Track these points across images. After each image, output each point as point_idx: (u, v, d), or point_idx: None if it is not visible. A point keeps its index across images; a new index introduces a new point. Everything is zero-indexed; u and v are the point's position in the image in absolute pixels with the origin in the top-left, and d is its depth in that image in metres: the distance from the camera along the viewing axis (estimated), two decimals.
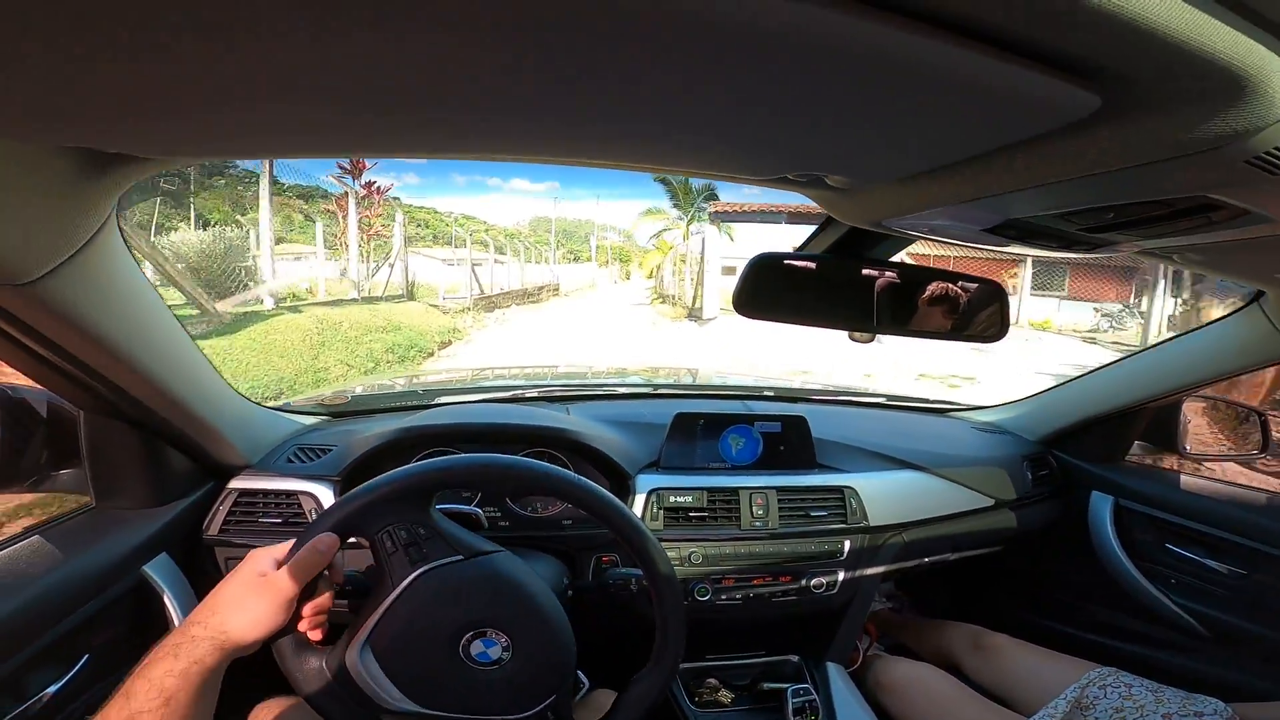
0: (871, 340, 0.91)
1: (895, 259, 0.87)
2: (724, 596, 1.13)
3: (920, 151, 0.46)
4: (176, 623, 0.89)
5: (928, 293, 0.83)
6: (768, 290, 0.82)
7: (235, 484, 1.02)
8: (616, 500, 0.78)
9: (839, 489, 1.18)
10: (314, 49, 0.30)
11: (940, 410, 1.64)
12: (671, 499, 1.12)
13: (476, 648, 0.73)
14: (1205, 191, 0.42)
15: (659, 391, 1.42)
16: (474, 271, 13.33)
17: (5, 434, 0.79)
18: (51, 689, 0.75)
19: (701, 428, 1.20)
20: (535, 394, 1.36)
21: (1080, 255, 0.66)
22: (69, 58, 0.30)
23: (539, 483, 0.79)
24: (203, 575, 0.99)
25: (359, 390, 1.54)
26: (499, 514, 1.11)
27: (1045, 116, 0.35)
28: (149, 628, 0.89)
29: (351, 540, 0.71)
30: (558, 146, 0.52)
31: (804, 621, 1.27)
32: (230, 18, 0.27)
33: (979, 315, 0.83)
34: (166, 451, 0.93)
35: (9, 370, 0.77)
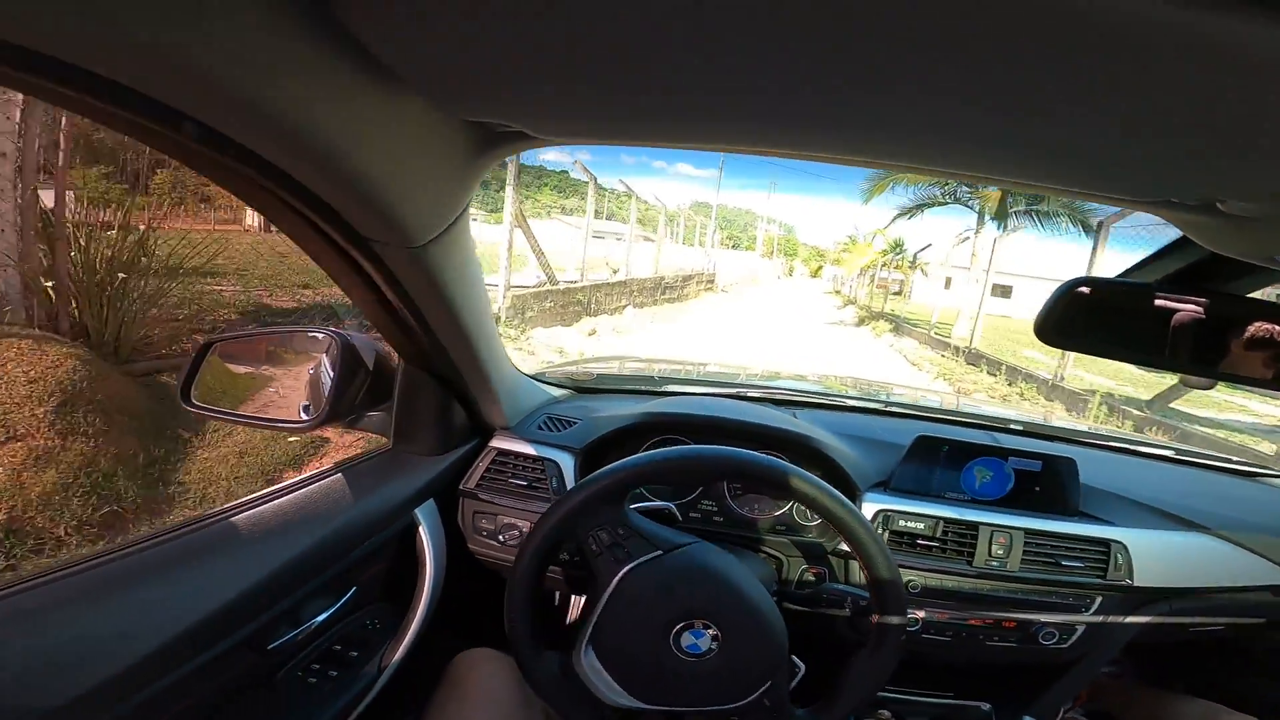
0: (1211, 386, 0.84)
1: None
2: (932, 630, 1.11)
3: None
4: (429, 564, 1.03)
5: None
6: (1082, 318, 0.77)
7: (496, 443, 1.16)
8: (846, 499, 0.86)
9: (1104, 542, 1.11)
10: (713, 49, 0.37)
11: (1248, 473, 1.45)
12: (901, 523, 1.12)
13: (686, 639, 0.81)
14: None
15: (891, 410, 1.40)
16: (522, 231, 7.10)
17: (341, 375, 0.96)
18: (320, 617, 0.87)
19: (945, 454, 1.18)
20: (757, 394, 1.40)
21: None
22: (515, 44, 0.40)
23: (755, 474, 0.88)
24: (450, 525, 1.14)
25: (603, 369, 1.68)
26: (715, 509, 1.17)
27: None
28: (406, 567, 1.04)
29: None
30: (927, 155, 0.55)
31: (1010, 669, 1.22)
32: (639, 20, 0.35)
33: None
34: (454, 406, 1.08)
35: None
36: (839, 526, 0.85)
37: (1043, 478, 1.17)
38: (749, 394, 1.42)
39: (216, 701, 0.74)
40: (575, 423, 1.22)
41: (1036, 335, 0.80)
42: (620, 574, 0.84)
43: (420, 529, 1.04)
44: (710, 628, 0.82)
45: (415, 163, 0.58)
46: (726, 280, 21.82)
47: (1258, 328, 0.78)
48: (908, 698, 1.24)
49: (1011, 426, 1.44)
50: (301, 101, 0.44)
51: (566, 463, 1.14)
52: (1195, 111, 0.34)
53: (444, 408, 1.07)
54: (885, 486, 1.17)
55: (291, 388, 1.04)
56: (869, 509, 1.12)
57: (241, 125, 0.46)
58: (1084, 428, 1.60)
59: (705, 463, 0.90)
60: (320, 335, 0.99)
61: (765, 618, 0.84)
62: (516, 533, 1.13)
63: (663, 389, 1.44)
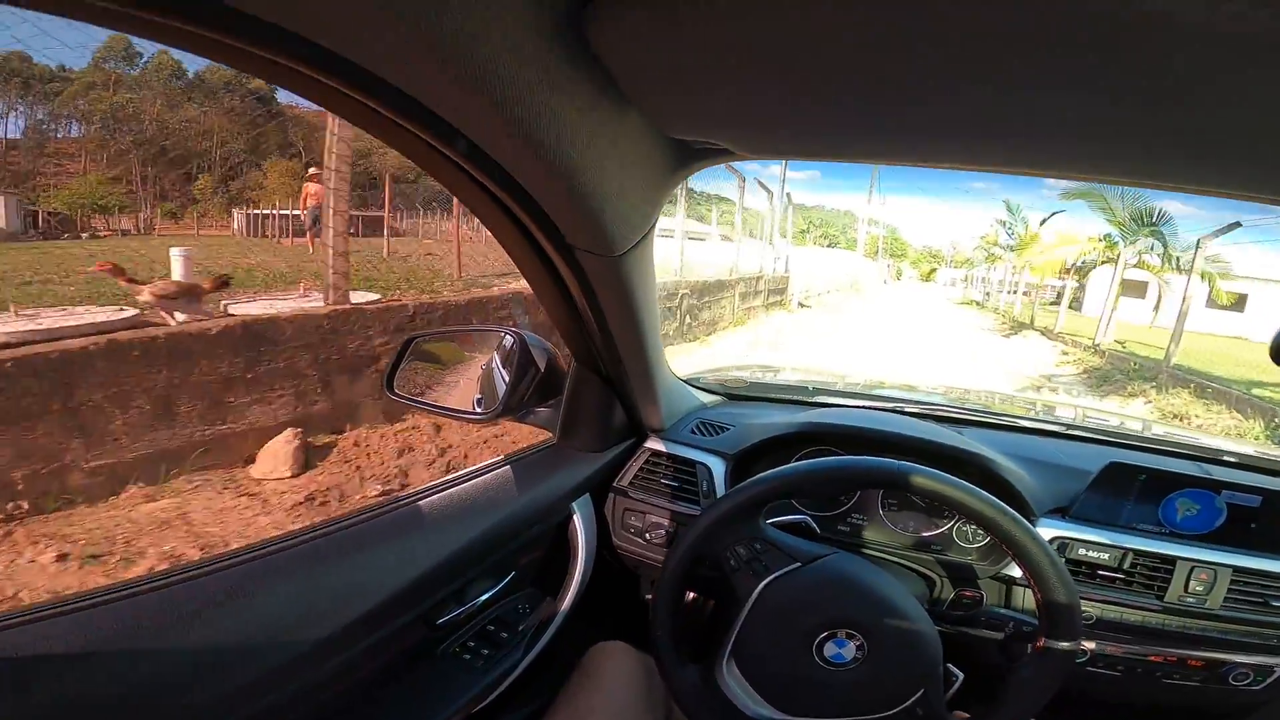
0: None
1: None
2: (1101, 664, 1.14)
3: None
4: (580, 555, 1.20)
5: None
6: None
7: (650, 444, 1.33)
8: (1021, 518, 0.90)
9: None
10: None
11: None
12: (1081, 551, 1.14)
13: (829, 649, 0.90)
14: None
15: (1073, 433, 1.42)
16: None
17: (515, 371, 1.14)
18: (483, 597, 1.05)
19: (1141, 484, 1.19)
20: (917, 409, 1.45)
21: None
22: (734, 70, 0.53)
23: (915, 486, 0.93)
24: (600, 520, 1.31)
25: (753, 377, 1.82)
26: (865, 522, 1.26)
27: None
28: (561, 555, 1.21)
29: None
30: (1152, 170, 0.65)
31: (1182, 710, 1.22)
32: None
33: None
34: (616, 407, 1.25)
35: None
36: (1012, 546, 0.89)
37: (1261, 514, 1.17)
38: (908, 409, 1.46)
39: (391, 667, 0.92)
40: (728, 429, 1.36)
41: None
42: (759, 587, 0.94)
43: (576, 521, 1.21)
44: (854, 637, 0.90)
45: (624, 176, 0.73)
46: (809, 288, 16.47)
47: None
48: None
49: (1225, 458, 1.40)
50: (545, 114, 0.57)
51: (718, 468, 1.28)
52: None
53: (607, 407, 1.24)
54: (1064, 513, 1.19)
55: (471, 382, 1.24)
56: (1044, 535, 1.12)
57: (493, 135, 0.60)
58: None
59: (859, 473, 0.98)
60: (503, 334, 1.19)
61: (913, 625, 0.92)
62: (662, 532, 1.28)
63: (815, 400, 1.55)
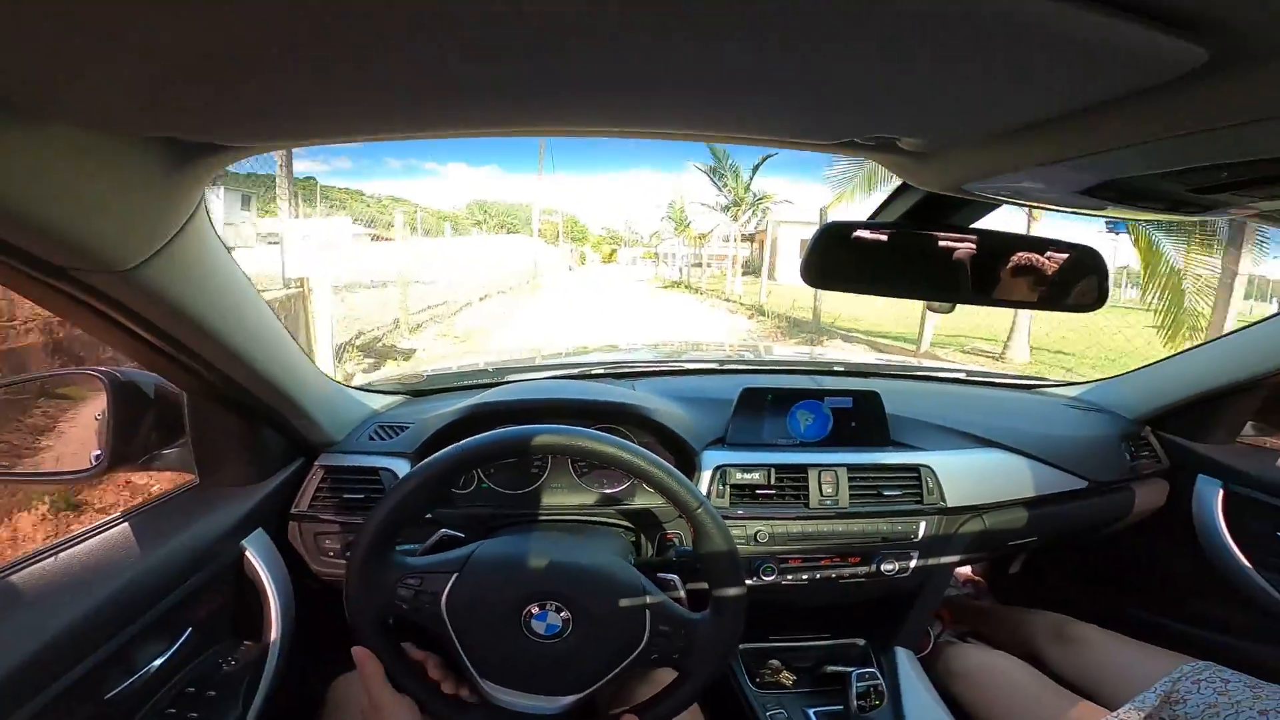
0: (951, 310, 1.07)
1: (979, 225, 0.99)
2: (789, 576, 1.33)
3: (1006, 110, 0.52)
4: (271, 594, 1.12)
5: (1013, 262, 0.96)
6: (838, 260, 0.97)
7: (322, 461, 1.27)
8: (653, 457, 0.98)
9: (914, 467, 1.38)
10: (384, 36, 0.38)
11: (1028, 387, 1.88)
12: (737, 476, 1.33)
13: (538, 626, 0.95)
14: None
15: (725, 367, 1.64)
16: None
17: (118, 415, 1.01)
18: (157, 661, 0.95)
19: (769, 403, 1.42)
20: (601, 370, 1.59)
21: (1185, 217, 0.81)
22: (152, 51, 0.40)
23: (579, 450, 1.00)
24: (291, 550, 1.23)
25: (432, 370, 1.81)
26: (564, 487, 1.35)
27: (1145, 71, 0.39)
28: (246, 601, 1.13)
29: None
30: (617, 117, 0.61)
31: (873, 605, 1.49)
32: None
33: (1073, 284, 0.97)
34: (263, 430, 1.17)
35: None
36: (658, 488, 0.97)
37: (856, 413, 1.44)
38: (593, 372, 1.60)
39: None
40: (406, 427, 1.35)
41: (802, 277, 0.96)
42: (443, 610, 0.95)
43: (251, 558, 1.12)
44: (547, 604, 0.94)
45: (83, 190, 0.60)
46: (445, 298, 12.60)
47: (1022, 256, 0.98)
48: (791, 644, 1.49)
49: (835, 369, 1.73)
50: None
51: (402, 469, 1.26)
52: (861, 57, 0.42)
53: (249, 435, 1.16)
54: (722, 443, 1.39)
55: (77, 435, 1.08)
56: (707, 469, 1.34)
57: None
58: (893, 361, 1.92)
59: (482, 450, 0.99)
60: (87, 375, 1.04)
61: (592, 571, 0.99)
62: None
63: (503, 380, 1.60)
